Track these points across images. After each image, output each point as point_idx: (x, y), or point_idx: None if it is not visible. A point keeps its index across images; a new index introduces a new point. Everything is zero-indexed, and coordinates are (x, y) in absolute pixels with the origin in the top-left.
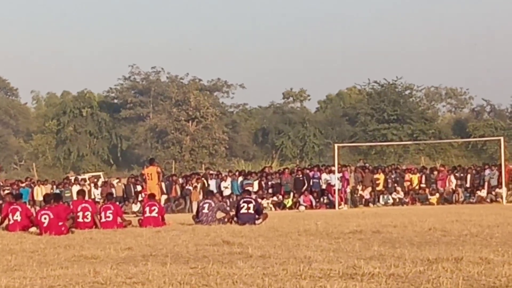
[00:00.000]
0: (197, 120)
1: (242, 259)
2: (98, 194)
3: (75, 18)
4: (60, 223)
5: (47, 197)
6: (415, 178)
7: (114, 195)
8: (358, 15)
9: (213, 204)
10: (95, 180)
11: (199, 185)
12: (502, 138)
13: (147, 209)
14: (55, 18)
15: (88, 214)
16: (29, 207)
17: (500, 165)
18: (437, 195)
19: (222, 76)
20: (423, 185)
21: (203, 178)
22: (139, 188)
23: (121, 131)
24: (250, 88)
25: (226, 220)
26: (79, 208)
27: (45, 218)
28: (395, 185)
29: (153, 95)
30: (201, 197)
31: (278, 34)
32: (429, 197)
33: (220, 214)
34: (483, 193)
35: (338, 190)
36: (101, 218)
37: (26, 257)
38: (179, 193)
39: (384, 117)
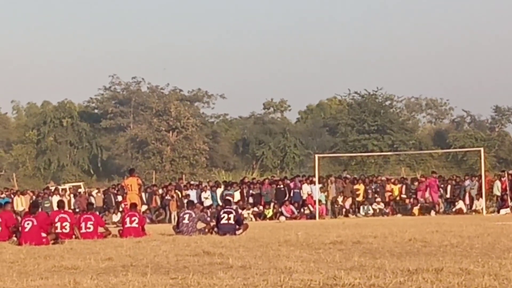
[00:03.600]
0: (178, 130)
1: (223, 269)
2: (75, 204)
3: (55, 27)
4: (43, 234)
5: (32, 209)
6: (396, 188)
7: (94, 205)
8: (338, 25)
9: (193, 215)
10: (75, 190)
11: (175, 197)
12: (482, 149)
13: (127, 219)
14: (35, 27)
15: (66, 225)
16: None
17: (480, 175)
18: (419, 205)
19: (203, 86)
20: (403, 196)
21: (176, 190)
22: (119, 198)
23: (101, 141)
24: (231, 98)
25: (206, 230)
26: (56, 219)
27: (27, 224)
28: (376, 195)
29: (134, 105)
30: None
31: (259, 45)
32: (413, 208)
33: (200, 225)
34: (460, 204)
35: (319, 200)
36: (81, 229)
37: (6, 268)
38: (159, 203)
39: (364, 127)
